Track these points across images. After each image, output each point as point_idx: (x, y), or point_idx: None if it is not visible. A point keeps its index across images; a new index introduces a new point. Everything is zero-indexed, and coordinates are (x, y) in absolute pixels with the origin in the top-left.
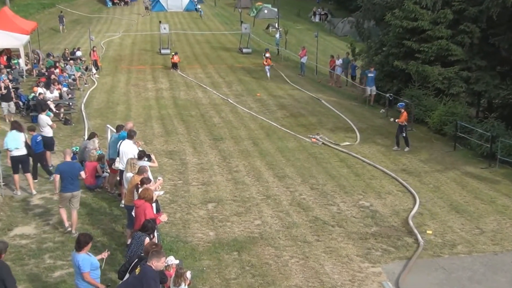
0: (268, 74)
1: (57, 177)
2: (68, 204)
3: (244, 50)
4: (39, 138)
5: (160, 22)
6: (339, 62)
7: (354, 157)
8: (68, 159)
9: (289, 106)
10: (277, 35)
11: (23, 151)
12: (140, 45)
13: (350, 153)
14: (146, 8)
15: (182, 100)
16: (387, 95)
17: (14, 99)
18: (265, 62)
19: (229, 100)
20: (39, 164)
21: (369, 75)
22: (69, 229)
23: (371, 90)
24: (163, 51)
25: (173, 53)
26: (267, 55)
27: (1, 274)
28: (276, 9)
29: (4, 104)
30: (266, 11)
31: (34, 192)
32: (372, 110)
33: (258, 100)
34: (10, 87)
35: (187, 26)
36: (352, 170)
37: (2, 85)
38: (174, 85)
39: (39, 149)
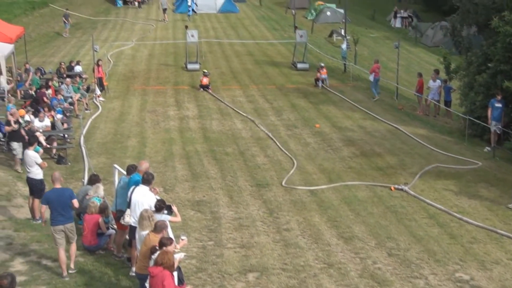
0: (322, 85)
1: (44, 208)
2: (62, 241)
3: (299, 66)
4: None
5: (186, 27)
6: (433, 84)
7: (448, 213)
8: (58, 185)
9: (359, 142)
10: (344, 46)
11: None
12: (160, 58)
13: (446, 210)
14: (164, 10)
15: (215, 132)
16: (494, 127)
17: None
18: (319, 74)
19: (279, 132)
20: None
21: (496, 105)
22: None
23: (496, 126)
24: (190, 66)
25: (203, 72)
26: (322, 64)
27: None
28: (342, 11)
29: None
30: (329, 13)
31: None
32: (473, 148)
33: (317, 133)
34: None
35: (222, 32)
36: (446, 230)
37: None
38: (205, 112)
39: None
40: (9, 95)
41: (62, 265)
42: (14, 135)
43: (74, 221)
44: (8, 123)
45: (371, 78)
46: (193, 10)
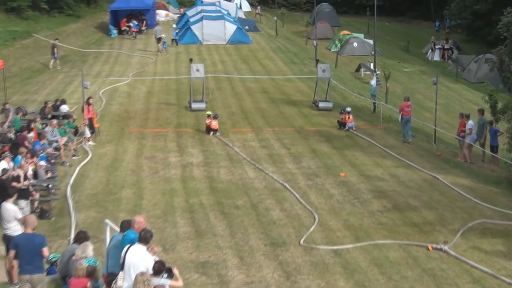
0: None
1: (12, 253)
2: None
3: (321, 105)
4: None
5: (191, 60)
6: (472, 124)
7: (495, 277)
8: (29, 230)
9: (391, 194)
10: (373, 82)
11: None
12: (160, 96)
13: (493, 274)
14: (159, 40)
15: (223, 182)
16: None
17: None
18: (344, 118)
19: (298, 182)
20: None
21: None
22: None
23: None
24: (194, 106)
25: (210, 114)
26: (348, 109)
27: None
28: (371, 42)
29: None
30: (356, 45)
31: None
32: None
33: (342, 184)
34: None
35: (232, 67)
36: None
37: None
38: (211, 159)
39: None
40: None
41: None
42: None
43: (44, 274)
44: None
45: (402, 118)
46: (175, 40)
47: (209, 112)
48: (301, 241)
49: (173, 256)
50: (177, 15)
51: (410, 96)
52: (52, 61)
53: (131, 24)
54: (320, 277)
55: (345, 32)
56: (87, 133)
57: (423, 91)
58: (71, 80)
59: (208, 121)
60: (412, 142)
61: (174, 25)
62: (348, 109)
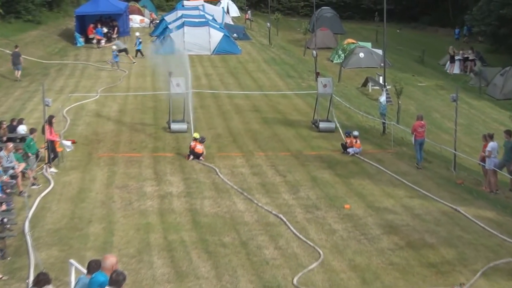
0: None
1: None
2: None
3: (322, 125)
4: None
5: (170, 74)
6: (494, 146)
7: None
8: None
9: (404, 229)
10: (383, 98)
11: None
12: (134, 115)
13: None
14: (119, 52)
15: (208, 215)
16: None
17: None
18: (349, 142)
19: (295, 216)
20: None
21: None
22: None
23: None
24: (174, 126)
25: (196, 138)
26: (355, 133)
27: None
28: (380, 52)
29: None
30: (362, 55)
31: None
32: None
33: (347, 217)
34: None
35: (218, 81)
36: None
37: None
38: (194, 188)
39: None
40: None
41: None
42: None
43: None
44: None
45: (413, 140)
46: (139, 51)
47: (196, 134)
48: (295, 280)
49: None
50: (154, 21)
51: (425, 115)
52: (16, 72)
53: (96, 31)
54: None
55: (350, 40)
56: (49, 158)
57: (441, 109)
58: (30, 96)
59: (192, 143)
60: (426, 167)
61: (138, 33)
62: (356, 133)
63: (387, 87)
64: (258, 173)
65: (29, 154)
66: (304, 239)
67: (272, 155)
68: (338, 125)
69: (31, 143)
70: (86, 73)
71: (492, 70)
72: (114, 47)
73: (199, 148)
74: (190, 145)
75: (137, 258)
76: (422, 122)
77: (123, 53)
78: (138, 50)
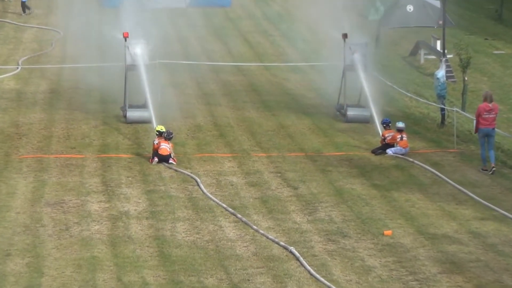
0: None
1: None
2: None
3: (351, 113)
4: None
5: (124, 36)
6: None
7: None
8: None
9: (472, 266)
10: (441, 73)
11: None
12: (72, 97)
13: None
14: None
15: (182, 246)
16: None
17: None
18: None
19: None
20: None
21: None
22: None
23: None
24: (132, 114)
25: (162, 131)
26: (400, 125)
27: None
28: (438, 4)
29: None
30: (410, 8)
31: None
32: None
33: (388, 249)
34: None
35: (198, 46)
36: None
37: None
38: (161, 206)
39: None
40: None
41: None
42: None
43: None
44: None
45: (481, 129)
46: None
47: (160, 127)
48: None
49: None
50: None
51: (504, 96)
52: None
53: None
54: None
55: None
56: None
57: None
58: None
59: (156, 141)
60: (503, 174)
61: None
62: (401, 124)
63: (448, 56)
64: (257, 184)
65: None
66: (325, 281)
67: (277, 156)
68: (374, 112)
69: None
70: (2, 36)
71: None
72: None
73: (164, 147)
74: (153, 143)
75: None
76: (490, 105)
77: None
78: (23, 2)
